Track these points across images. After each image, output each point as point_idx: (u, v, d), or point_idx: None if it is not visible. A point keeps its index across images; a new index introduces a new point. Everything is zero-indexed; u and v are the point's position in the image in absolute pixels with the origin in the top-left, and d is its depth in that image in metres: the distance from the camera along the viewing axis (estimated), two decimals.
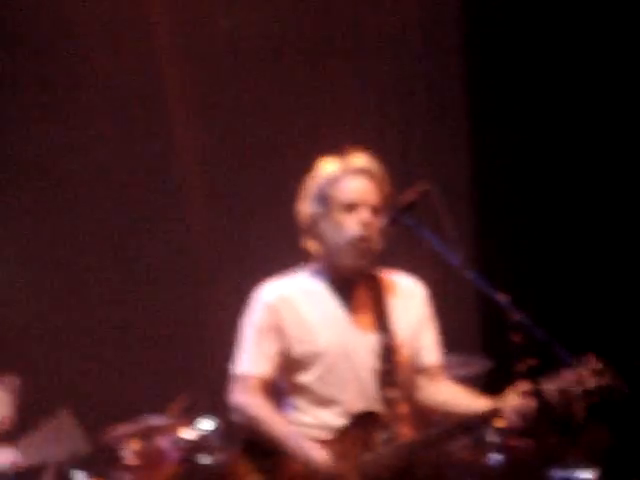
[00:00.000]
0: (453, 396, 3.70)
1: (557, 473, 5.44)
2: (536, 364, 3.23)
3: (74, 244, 7.15)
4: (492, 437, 4.63)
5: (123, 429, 5.69)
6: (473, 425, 3.56)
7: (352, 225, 3.63)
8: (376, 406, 3.62)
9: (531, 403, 3.39)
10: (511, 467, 4.93)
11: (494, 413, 3.48)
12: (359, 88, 7.97)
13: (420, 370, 3.75)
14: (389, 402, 3.62)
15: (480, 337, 7.77)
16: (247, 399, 3.66)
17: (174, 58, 7.52)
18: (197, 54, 7.56)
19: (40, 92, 7.18)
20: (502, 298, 3.37)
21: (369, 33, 8.04)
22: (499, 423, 3.42)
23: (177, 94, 7.52)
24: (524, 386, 3.40)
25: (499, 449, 5.13)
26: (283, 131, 7.55)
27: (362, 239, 3.63)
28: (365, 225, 3.63)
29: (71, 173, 7.19)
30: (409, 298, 3.78)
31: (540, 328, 3.27)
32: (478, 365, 6.08)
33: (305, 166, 3.85)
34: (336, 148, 3.80)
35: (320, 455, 3.52)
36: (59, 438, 5.67)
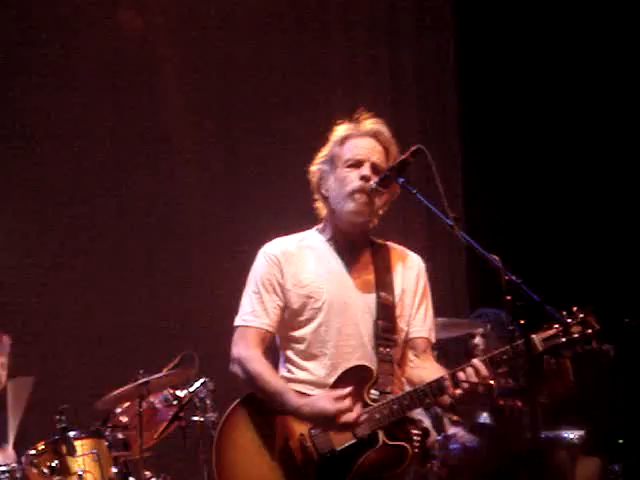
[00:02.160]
0: (436, 374, 3.65)
1: (545, 433, 5.53)
2: (526, 323, 3.28)
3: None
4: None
5: (118, 392, 5.72)
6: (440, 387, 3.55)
7: (353, 179, 3.70)
8: (371, 362, 3.67)
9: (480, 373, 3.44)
10: (500, 426, 5.00)
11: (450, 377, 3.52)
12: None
13: (408, 341, 3.80)
14: (384, 360, 3.68)
15: (469, 300, 7.85)
16: (246, 352, 3.71)
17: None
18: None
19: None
20: (493, 258, 3.42)
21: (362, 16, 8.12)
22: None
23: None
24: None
25: (489, 409, 5.20)
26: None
27: (362, 192, 3.68)
28: (365, 179, 3.68)
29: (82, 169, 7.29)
30: (408, 269, 3.85)
31: (530, 287, 3.31)
32: (468, 327, 6.13)
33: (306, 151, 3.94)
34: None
35: (313, 402, 3.57)
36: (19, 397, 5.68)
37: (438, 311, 4.00)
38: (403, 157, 3.65)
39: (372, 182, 3.69)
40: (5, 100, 7.15)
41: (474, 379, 3.46)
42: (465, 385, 3.47)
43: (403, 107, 8.15)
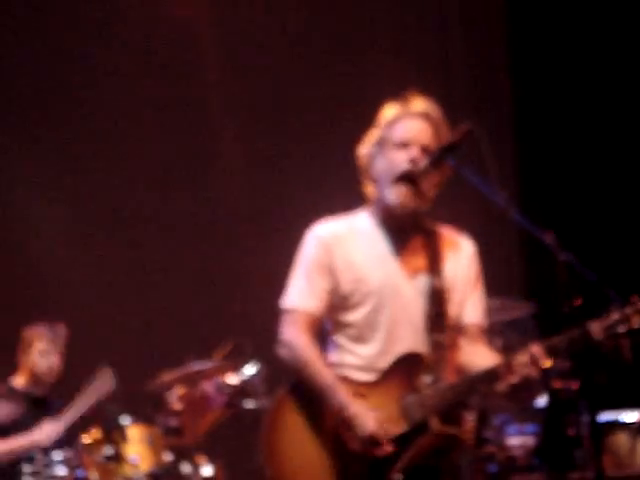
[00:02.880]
0: (487, 361, 3.58)
1: (603, 415, 5.44)
2: (582, 304, 3.20)
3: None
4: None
5: (169, 375, 5.74)
6: (495, 374, 3.47)
7: (402, 161, 3.62)
8: (423, 348, 3.60)
9: (537, 359, 3.36)
10: (556, 408, 4.92)
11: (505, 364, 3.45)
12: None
13: (460, 328, 3.72)
14: (436, 345, 3.60)
15: (524, 280, 7.76)
16: (296, 336, 3.64)
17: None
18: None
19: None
20: (548, 238, 3.34)
21: (410, 20, 8.06)
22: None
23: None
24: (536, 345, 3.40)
25: (546, 390, 5.12)
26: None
27: (410, 177, 3.60)
28: (414, 161, 3.61)
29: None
30: (460, 252, 3.75)
31: (587, 268, 3.23)
32: (522, 309, 6.05)
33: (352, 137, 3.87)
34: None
35: (359, 410, 3.50)
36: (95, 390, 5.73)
37: (492, 293, 3.92)
38: (454, 137, 3.56)
39: (422, 163, 3.61)
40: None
41: (531, 366, 3.38)
42: (522, 372, 3.39)
43: (454, 85, 8.07)
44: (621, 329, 3.33)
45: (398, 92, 3.79)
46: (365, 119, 3.81)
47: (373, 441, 3.46)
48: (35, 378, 5.86)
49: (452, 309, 3.67)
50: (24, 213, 7.16)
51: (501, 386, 3.45)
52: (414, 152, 3.62)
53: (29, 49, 7.26)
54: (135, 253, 7.23)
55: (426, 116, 3.69)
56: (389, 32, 8.02)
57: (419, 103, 3.72)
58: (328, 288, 3.68)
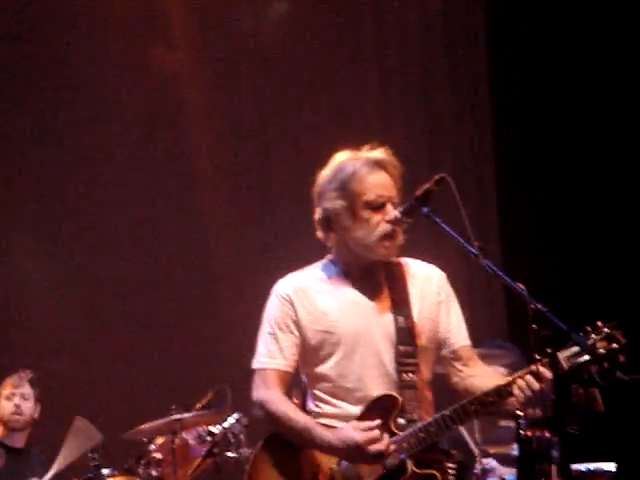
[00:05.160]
0: (489, 380, 3.60)
1: (577, 465, 5.41)
2: (550, 335, 3.20)
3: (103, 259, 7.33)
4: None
5: (149, 425, 5.72)
6: (487, 401, 3.49)
7: (381, 223, 3.63)
8: (395, 390, 3.60)
9: (542, 377, 3.36)
10: (529, 458, 4.90)
11: (506, 386, 3.45)
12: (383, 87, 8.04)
13: (452, 353, 3.73)
14: (409, 386, 3.60)
15: (509, 327, 7.76)
16: (267, 394, 3.66)
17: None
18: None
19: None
20: (519, 287, 3.35)
21: (393, 30, 8.10)
22: (518, 411, 3.40)
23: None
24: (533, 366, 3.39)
25: (518, 440, 5.10)
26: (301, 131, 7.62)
27: (391, 236, 3.63)
28: (393, 222, 3.62)
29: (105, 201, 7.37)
30: (426, 282, 3.77)
31: (557, 316, 3.25)
32: (510, 356, 6.03)
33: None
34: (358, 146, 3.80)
35: (339, 434, 3.51)
36: (78, 441, 5.70)
37: (476, 342, 3.91)
38: (427, 186, 3.57)
39: (396, 213, 3.62)
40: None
41: (535, 385, 3.36)
42: (531, 386, 3.38)
43: (437, 130, 8.11)
44: (587, 356, 3.33)
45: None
46: None
47: (365, 447, 3.45)
48: (7, 424, 5.87)
49: (424, 343, 3.67)
50: (8, 261, 7.19)
51: (511, 401, 3.45)
52: (389, 212, 3.62)
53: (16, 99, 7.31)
54: (117, 304, 7.22)
55: (387, 166, 3.68)
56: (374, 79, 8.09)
57: (376, 152, 3.72)
58: (295, 343, 3.69)
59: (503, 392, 3.46)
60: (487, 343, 5.97)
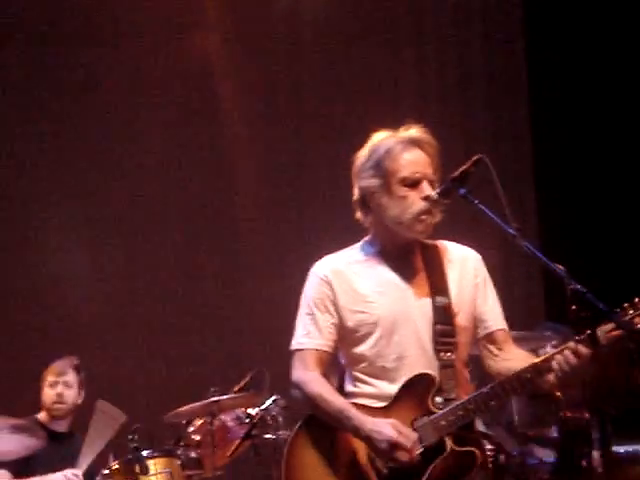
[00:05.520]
0: (523, 363, 3.56)
1: (620, 447, 5.37)
2: (589, 315, 3.19)
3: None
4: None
5: (188, 407, 5.75)
6: (525, 378, 3.49)
7: (416, 201, 3.62)
8: (434, 369, 3.61)
9: (580, 354, 3.35)
10: (568, 439, 4.86)
11: (544, 362, 3.45)
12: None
13: (487, 337, 3.73)
14: (447, 365, 3.61)
15: (546, 308, 7.74)
16: (305, 375, 3.68)
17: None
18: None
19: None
20: (558, 268, 3.34)
21: (431, 20, 8.08)
22: (557, 394, 3.39)
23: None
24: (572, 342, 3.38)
25: (556, 421, 5.07)
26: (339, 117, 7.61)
27: (428, 213, 3.63)
28: (428, 200, 3.61)
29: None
30: (462, 264, 3.77)
31: (598, 299, 3.23)
32: (562, 338, 6.00)
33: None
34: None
35: (375, 424, 3.52)
36: (103, 424, 5.73)
37: (512, 325, 3.90)
38: (464, 167, 3.57)
39: (433, 193, 3.62)
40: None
41: (573, 361, 3.36)
42: (565, 368, 3.37)
43: (472, 112, 8.08)
44: (626, 332, 3.32)
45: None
46: None
47: (394, 447, 3.46)
48: (50, 412, 5.91)
49: (461, 323, 3.68)
50: (45, 252, 7.25)
51: (549, 379, 3.44)
52: (425, 189, 3.63)
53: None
54: (154, 289, 7.28)
55: (423, 144, 3.69)
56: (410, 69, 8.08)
57: (412, 130, 3.72)
58: (333, 323, 3.70)
59: (541, 368, 3.45)
60: (540, 325, 5.97)
